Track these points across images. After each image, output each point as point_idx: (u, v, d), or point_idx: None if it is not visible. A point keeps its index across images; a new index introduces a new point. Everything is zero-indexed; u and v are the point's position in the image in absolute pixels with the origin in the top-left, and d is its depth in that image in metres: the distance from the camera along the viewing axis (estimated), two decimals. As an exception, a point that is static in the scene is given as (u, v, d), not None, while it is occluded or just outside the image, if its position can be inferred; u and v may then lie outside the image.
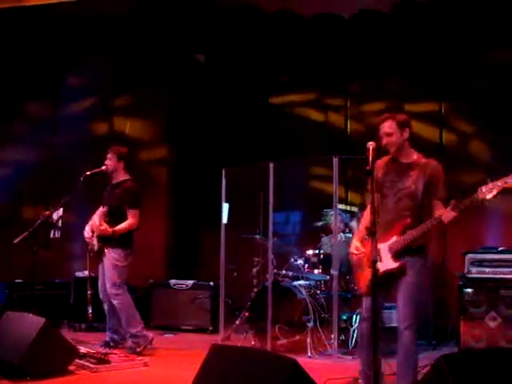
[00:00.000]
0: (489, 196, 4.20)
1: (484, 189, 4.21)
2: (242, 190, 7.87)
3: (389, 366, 4.92)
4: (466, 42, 8.21)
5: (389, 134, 4.61)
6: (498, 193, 4.20)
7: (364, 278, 4.61)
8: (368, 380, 4.54)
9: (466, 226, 7.95)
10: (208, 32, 9.34)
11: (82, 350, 5.83)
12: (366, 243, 4.69)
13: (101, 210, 6.33)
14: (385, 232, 4.57)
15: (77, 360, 5.45)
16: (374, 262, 4.04)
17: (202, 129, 9.96)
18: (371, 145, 4.29)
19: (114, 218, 6.32)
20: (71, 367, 5.35)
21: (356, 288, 5.00)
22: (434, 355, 5.65)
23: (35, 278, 6.12)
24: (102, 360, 5.60)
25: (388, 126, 4.62)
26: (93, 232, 6.39)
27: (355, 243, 4.78)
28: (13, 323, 5.37)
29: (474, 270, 6.49)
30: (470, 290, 6.36)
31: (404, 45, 8.54)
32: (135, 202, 6.41)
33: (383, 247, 4.52)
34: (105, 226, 6.21)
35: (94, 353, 5.81)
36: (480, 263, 6.49)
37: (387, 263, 4.51)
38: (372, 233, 4.10)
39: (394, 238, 4.51)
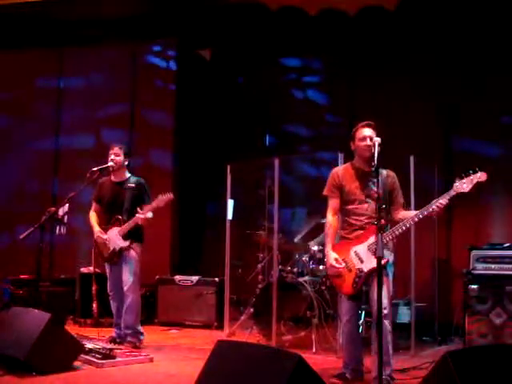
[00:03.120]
0: (464, 190, 4.57)
1: (458, 183, 4.59)
2: (246, 185, 7.88)
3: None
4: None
5: (371, 139, 4.90)
6: (472, 187, 4.56)
7: (347, 282, 4.93)
8: (356, 374, 5.00)
9: (471, 222, 7.96)
10: (213, 29, 9.36)
11: (88, 345, 5.84)
12: (338, 247, 5.02)
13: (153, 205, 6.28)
14: (359, 234, 4.95)
15: (82, 355, 5.46)
16: (379, 258, 4.08)
17: (207, 125, 9.96)
18: (377, 140, 4.42)
19: (130, 214, 6.36)
20: (77, 363, 5.35)
21: (338, 292, 5.24)
22: (439, 351, 5.69)
23: (41, 274, 6.10)
24: (107, 355, 5.60)
25: (372, 132, 4.98)
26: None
27: (333, 255, 4.97)
28: (18, 319, 5.38)
29: (479, 266, 6.48)
30: (475, 287, 6.35)
31: (407, 43, 8.55)
32: (150, 196, 6.46)
33: (361, 248, 4.89)
34: (151, 215, 6.28)
35: (99, 348, 5.82)
36: (485, 259, 6.48)
37: (370, 262, 4.79)
38: (378, 228, 4.21)
39: (372, 239, 4.75)
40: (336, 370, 5.22)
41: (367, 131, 4.99)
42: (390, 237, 4.81)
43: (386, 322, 4.75)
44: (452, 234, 8.05)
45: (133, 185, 6.49)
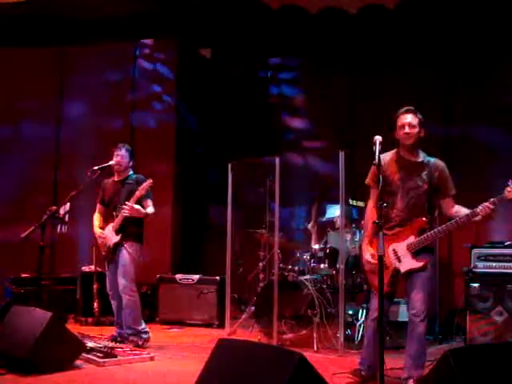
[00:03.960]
0: None
1: (510, 189, 4.38)
2: (248, 184, 7.89)
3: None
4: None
5: (412, 126, 4.67)
6: None
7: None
8: (371, 371, 4.71)
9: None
10: (214, 27, 9.36)
11: (89, 344, 5.85)
12: (374, 242, 4.67)
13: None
14: (398, 231, 4.72)
15: (84, 354, 5.47)
16: (380, 257, 4.04)
17: (208, 123, 9.97)
18: (378, 138, 4.33)
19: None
20: (78, 361, 5.36)
21: (372, 290, 4.95)
22: (440, 350, 5.69)
23: (42, 272, 6.11)
24: (108, 354, 5.61)
25: (412, 118, 4.69)
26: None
27: (370, 250, 4.80)
28: (20, 318, 5.38)
29: (480, 264, 6.49)
30: (476, 285, 6.36)
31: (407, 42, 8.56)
32: (151, 192, 6.43)
33: (400, 246, 4.67)
34: (138, 206, 6.24)
35: (100, 347, 5.82)
36: (486, 258, 6.48)
37: (409, 263, 4.63)
38: (379, 227, 4.14)
39: (412, 238, 4.62)
40: (337, 369, 5.23)
41: (406, 118, 4.70)
42: (431, 238, 4.60)
43: (421, 326, 4.58)
44: (453, 233, 8.03)
45: (131, 181, 6.48)
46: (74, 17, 9.45)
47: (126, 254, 6.32)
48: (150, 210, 6.35)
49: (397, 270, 4.70)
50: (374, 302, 4.82)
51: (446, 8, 8.13)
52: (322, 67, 9.37)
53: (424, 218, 4.63)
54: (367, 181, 4.93)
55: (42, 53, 9.79)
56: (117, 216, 6.34)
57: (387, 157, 4.81)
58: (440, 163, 4.77)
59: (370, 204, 4.93)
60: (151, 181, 6.22)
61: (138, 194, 6.17)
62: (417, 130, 4.69)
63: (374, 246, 4.70)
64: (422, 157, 4.78)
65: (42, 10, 9.20)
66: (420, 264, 4.60)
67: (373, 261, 4.68)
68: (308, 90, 9.66)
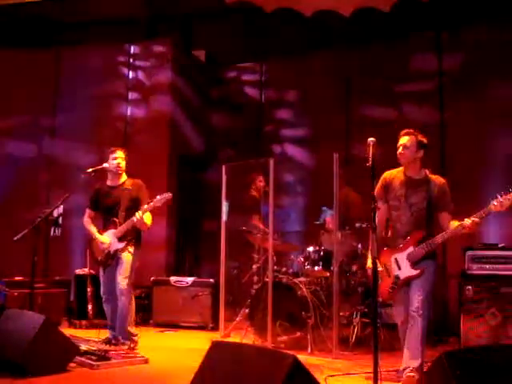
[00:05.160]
0: (501, 209, 4.71)
1: (495, 202, 4.72)
2: (242, 186, 7.89)
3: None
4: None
5: (406, 147, 5.09)
6: (509, 206, 4.71)
7: (384, 286, 5.11)
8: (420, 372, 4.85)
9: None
10: (210, 29, 9.38)
11: (83, 347, 5.82)
12: (382, 252, 5.16)
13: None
14: (401, 242, 5.12)
15: (77, 357, 5.44)
16: (373, 259, 4.13)
17: (204, 124, 9.98)
18: (372, 141, 4.43)
19: (127, 216, 6.33)
20: (72, 364, 5.33)
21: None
22: (434, 352, 5.68)
23: (35, 275, 6.08)
24: (102, 357, 5.59)
25: (408, 140, 5.11)
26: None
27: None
28: (13, 321, 5.36)
29: (474, 266, 6.49)
30: (470, 287, 6.36)
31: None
32: (148, 196, 6.42)
33: (401, 256, 5.09)
34: (146, 220, 6.24)
35: (94, 350, 5.80)
36: (480, 260, 6.49)
37: (407, 271, 5.04)
38: (372, 229, 4.35)
39: (411, 249, 5.04)
40: (331, 371, 5.23)
41: (402, 139, 5.13)
42: (425, 249, 4.98)
43: (419, 321, 4.87)
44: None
45: (129, 187, 6.46)
46: (67, 19, 9.45)
47: (128, 258, 6.32)
48: (149, 220, 6.36)
49: (397, 278, 5.08)
50: (394, 310, 5.29)
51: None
52: (318, 68, 9.41)
53: (423, 232, 5.02)
54: (375, 193, 5.00)
55: (35, 55, 9.78)
56: (120, 223, 6.33)
57: (393, 173, 5.28)
58: (441, 180, 5.16)
59: (378, 215, 4.98)
60: (170, 195, 6.23)
61: (152, 205, 6.18)
62: (411, 151, 5.08)
63: (379, 256, 5.02)
64: (424, 174, 5.17)
65: (35, 12, 9.20)
66: (417, 272, 4.99)
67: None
68: (303, 91, 9.69)
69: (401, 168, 5.24)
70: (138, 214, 6.16)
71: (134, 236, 6.40)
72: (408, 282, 5.02)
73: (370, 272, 5.07)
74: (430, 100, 8.62)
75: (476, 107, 8.20)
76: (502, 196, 4.72)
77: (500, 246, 6.68)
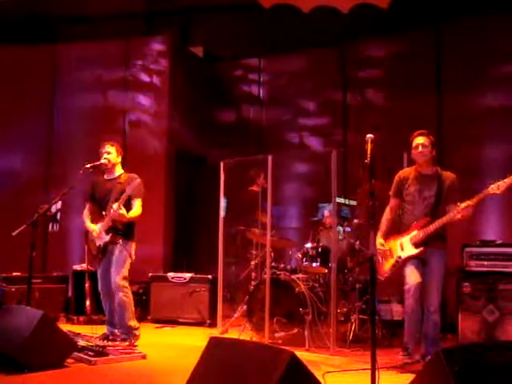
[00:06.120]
0: (497, 192, 5.03)
1: (493, 186, 5.03)
2: (240, 182, 7.88)
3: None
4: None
5: (425, 146, 5.55)
6: (505, 189, 5.02)
7: (386, 264, 5.60)
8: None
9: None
10: (207, 25, 9.36)
11: (80, 342, 5.82)
12: (390, 238, 5.68)
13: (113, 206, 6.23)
14: (408, 229, 5.58)
15: (75, 353, 5.44)
16: (371, 258, 4.13)
17: (201, 121, 9.96)
18: (370, 137, 4.41)
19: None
20: (69, 360, 5.33)
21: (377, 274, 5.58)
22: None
23: (33, 271, 6.07)
24: (100, 353, 5.59)
25: (425, 140, 5.57)
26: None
27: (379, 240, 5.63)
28: (11, 316, 5.35)
29: (472, 263, 6.50)
30: (468, 284, 6.36)
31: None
32: (141, 191, 6.39)
33: (405, 239, 5.53)
34: (124, 211, 6.17)
35: (92, 346, 5.80)
36: (478, 257, 6.50)
37: (409, 250, 5.48)
38: (372, 225, 4.29)
39: (415, 232, 5.47)
40: (329, 368, 5.23)
41: (419, 140, 5.57)
42: (426, 232, 5.39)
43: (435, 317, 5.40)
44: (445, 231, 8.04)
45: (122, 180, 6.44)
46: (65, 15, 9.43)
47: (119, 252, 6.29)
48: (133, 213, 6.28)
49: (399, 257, 5.53)
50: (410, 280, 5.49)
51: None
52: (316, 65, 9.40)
53: (428, 218, 5.45)
54: (390, 192, 5.81)
55: (33, 51, 9.76)
56: (107, 216, 6.31)
57: (407, 171, 5.78)
58: (451, 175, 5.60)
59: (388, 209, 5.82)
60: (139, 180, 6.18)
61: (125, 194, 6.13)
62: (429, 149, 5.56)
63: (387, 241, 5.66)
64: (435, 170, 5.62)
65: (31, 7, 9.18)
66: (416, 251, 5.44)
67: (381, 247, 5.61)
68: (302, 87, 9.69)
69: (413, 166, 5.71)
70: (115, 206, 6.11)
71: (122, 229, 6.32)
72: (410, 259, 5.46)
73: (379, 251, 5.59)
74: None
75: None
76: (499, 180, 5.02)
77: (498, 242, 6.69)
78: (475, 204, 5.16)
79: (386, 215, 5.81)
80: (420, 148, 5.56)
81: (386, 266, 5.59)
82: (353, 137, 8.89)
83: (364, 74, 9.19)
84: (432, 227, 5.38)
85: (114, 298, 6.30)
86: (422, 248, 5.42)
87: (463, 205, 5.18)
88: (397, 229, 5.73)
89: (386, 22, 8.58)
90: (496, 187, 5.01)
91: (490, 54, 8.09)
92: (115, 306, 6.31)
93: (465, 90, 8.21)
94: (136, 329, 6.36)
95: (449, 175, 5.61)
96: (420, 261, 5.49)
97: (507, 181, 5.00)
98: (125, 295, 6.28)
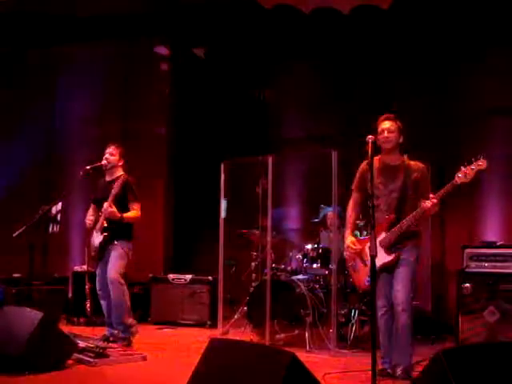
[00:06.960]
0: (465, 180, 4.58)
1: (460, 174, 4.59)
2: (240, 183, 7.87)
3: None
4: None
5: (391, 131, 5.00)
6: (473, 176, 4.57)
7: (361, 276, 5.11)
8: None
9: (465, 220, 7.97)
10: (208, 27, 9.34)
11: (81, 344, 5.82)
12: (357, 240, 5.19)
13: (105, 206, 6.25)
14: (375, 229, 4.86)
15: (75, 354, 5.44)
16: (372, 257, 4.09)
17: (202, 123, 9.95)
18: (370, 138, 4.38)
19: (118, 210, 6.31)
20: (70, 361, 5.33)
21: (356, 287, 5.44)
22: (432, 350, 5.68)
23: (33, 272, 6.08)
24: (100, 354, 5.58)
25: (391, 124, 5.03)
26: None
27: (351, 238, 5.18)
28: (11, 317, 5.35)
29: (472, 264, 6.50)
30: (468, 285, 6.36)
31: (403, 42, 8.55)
32: (137, 195, 6.40)
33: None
34: (114, 209, 6.19)
35: (92, 347, 5.80)
36: (479, 258, 6.49)
37: (382, 257, 4.84)
38: (371, 226, 4.19)
39: (383, 235, 4.92)
40: (329, 369, 5.23)
41: (385, 124, 5.03)
42: (395, 234, 4.88)
43: (404, 317, 4.82)
44: (446, 233, 8.04)
45: (120, 182, 6.44)
46: (66, 15, 9.42)
47: (115, 250, 6.31)
48: (130, 214, 6.31)
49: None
50: (379, 303, 5.00)
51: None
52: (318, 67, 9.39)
53: (392, 216, 4.92)
54: (352, 186, 5.28)
55: (33, 51, 9.76)
56: (101, 215, 6.32)
57: (367, 164, 4.89)
58: (420, 165, 5.04)
59: (351, 202, 5.28)
60: (124, 176, 6.23)
61: (113, 192, 6.15)
62: (396, 135, 5.00)
63: (360, 241, 5.18)
64: (402, 160, 5.06)
65: (31, 7, 9.17)
66: (391, 258, 4.89)
67: (353, 246, 5.10)
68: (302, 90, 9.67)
69: (377, 157, 5.02)
70: (105, 205, 6.15)
71: (118, 229, 6.33)
72: (385, 268, 4.89)
73: (349, 261, 5.21)
74: None
75: None
76: (465, 167, 4.59)
77: (498, 243, 6.69)
78: (441, 198, 4.70)
79: (350, 211, 5.27)
80: (386, 133, 4.98)
81: (362, 277, 5.10)
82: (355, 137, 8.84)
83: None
84: (403, 226, 4.84)
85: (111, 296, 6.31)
86: (394, 255, 4.88)
87: (428, 204, 4.68)
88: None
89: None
90: (463, 175, 4.57)
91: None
92: (112, 305, 6.32)
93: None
94: (132, 325, 6.36)
95: (417, 166, 5.02)
96: (391, 271, 4.95)
97: (474, 167, 4.55)
98: (118, 290, 6.27)
